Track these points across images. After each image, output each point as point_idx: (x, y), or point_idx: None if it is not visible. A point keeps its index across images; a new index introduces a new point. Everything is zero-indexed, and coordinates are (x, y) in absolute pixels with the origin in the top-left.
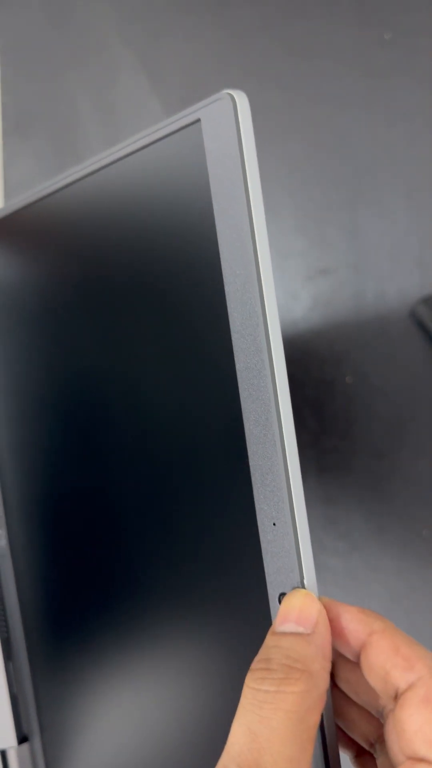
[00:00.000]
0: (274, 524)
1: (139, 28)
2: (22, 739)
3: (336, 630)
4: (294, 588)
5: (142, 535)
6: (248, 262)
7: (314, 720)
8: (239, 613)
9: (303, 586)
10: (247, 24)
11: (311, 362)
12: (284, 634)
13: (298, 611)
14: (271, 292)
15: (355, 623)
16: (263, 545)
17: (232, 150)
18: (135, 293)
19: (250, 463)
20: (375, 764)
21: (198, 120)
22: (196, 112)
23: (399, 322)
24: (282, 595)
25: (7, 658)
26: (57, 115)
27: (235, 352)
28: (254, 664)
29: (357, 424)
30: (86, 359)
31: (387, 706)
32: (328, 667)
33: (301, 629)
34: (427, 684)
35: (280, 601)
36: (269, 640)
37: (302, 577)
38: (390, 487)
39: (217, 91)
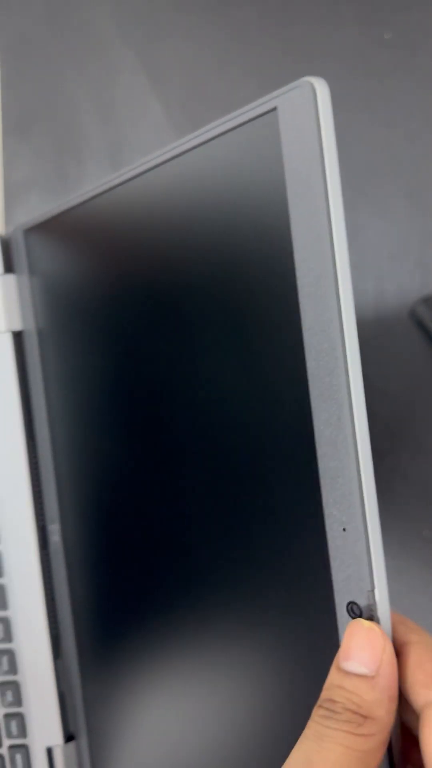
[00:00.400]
0: (344, 530)
1: (139, 28)
2: (69, 737)
3: None
4: (366, 603)
5: (201, 536)
6: (325, 257)
7: (375, 762)
8: (303, 621)
9: (374, 596)
10: (247, 24)
11: None
12: (348, 674)
13: (361, 649)
14: (348, 290)
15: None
16: (331, 551)
17: (310, 142)
18: (202, 287)
19: (320, 466)
20: None
21: (274, 108)
22: (273, 100)
23: (399, 322)
24: (351, 603)
25: (56, 655)
26: (57, 115)
27: (306, 350)
28: (320, 700)
29: None
30: (148, 356)
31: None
32: (393, 708)
33: (365, 670)
34: None
35: (349, 611)
36: (334, 676)
37: (373, 586)
38: (390, 487)
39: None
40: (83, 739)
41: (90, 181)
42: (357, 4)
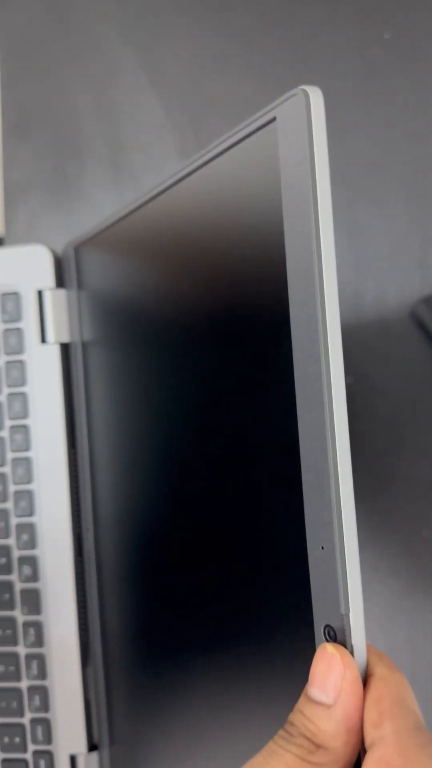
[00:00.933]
0: (322, 548)
1: (139, 28)
2: (92, 747)
3: None
4: (340, 627)
5: (212, 552)
6: (311, 272)
7: None
8: (292, 643)
9: (349, 619)
10: (248, 24)
11: None
12: (310, 700)
13: (321, 676)
14: (334, 309)
15: None
16: (311, 571)
17: (302, 152)
18: (203, 308)
19: (303, 482)
20: None
21: (274, 119)
22: (273, 109)
23: (399, 322)
24: (327, 627)
25: (85, 663)
26: (57, 114)
27: (294, 364)
28: (287, 722)
29: (357, 424)
30: (164, 379)
31: None
32: (353, 741)
33: (324, 698)
34: (384, 747)
35: (325, 634)
36: (300, 701)
37: (348, 610)
38: (390, 487)
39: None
40: (105, 751)
41: (90, 181)
42: (357, 4)
